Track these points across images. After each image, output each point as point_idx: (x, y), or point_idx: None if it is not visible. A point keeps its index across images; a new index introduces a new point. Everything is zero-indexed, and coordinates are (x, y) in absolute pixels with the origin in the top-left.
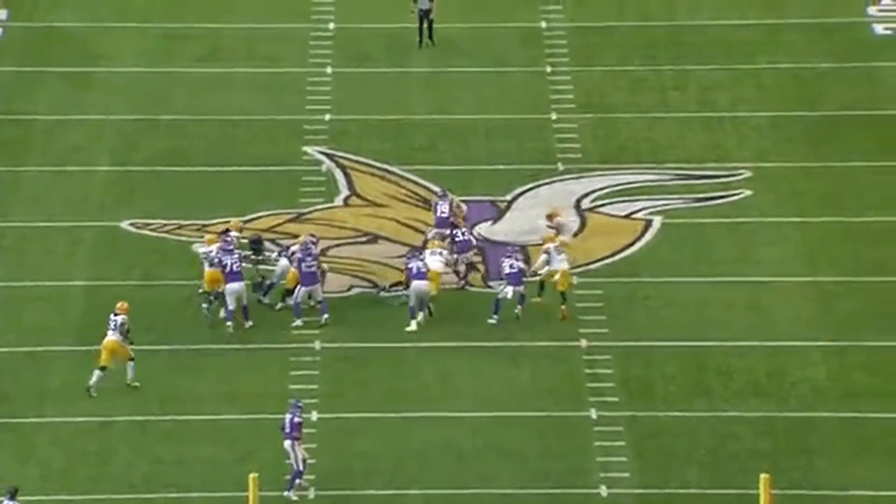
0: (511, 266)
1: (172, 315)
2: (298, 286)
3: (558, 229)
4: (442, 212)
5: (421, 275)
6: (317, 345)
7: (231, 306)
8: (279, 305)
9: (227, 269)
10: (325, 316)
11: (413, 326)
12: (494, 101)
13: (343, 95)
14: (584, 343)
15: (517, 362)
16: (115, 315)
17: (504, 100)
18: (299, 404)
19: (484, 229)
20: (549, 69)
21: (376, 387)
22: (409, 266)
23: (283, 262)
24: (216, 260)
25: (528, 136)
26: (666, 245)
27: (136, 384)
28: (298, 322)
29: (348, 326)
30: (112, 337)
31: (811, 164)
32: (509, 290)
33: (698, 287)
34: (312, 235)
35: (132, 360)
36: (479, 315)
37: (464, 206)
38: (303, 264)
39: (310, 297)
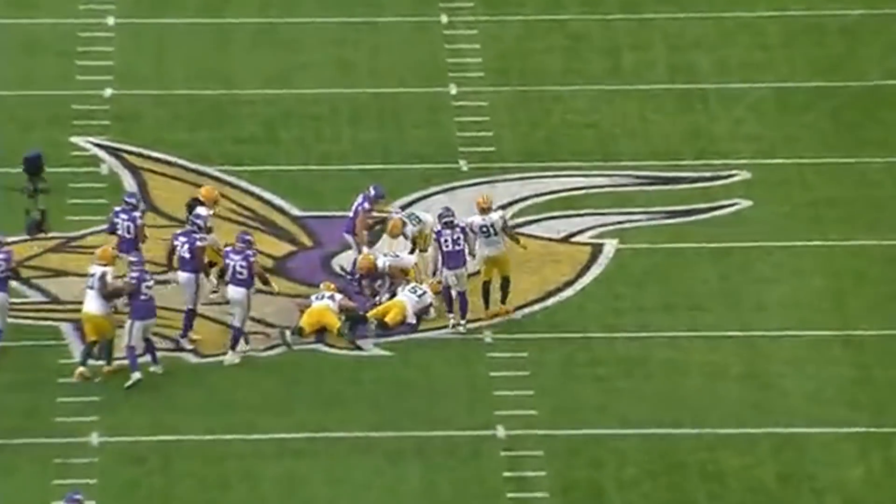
0: (457, 243)
1: None
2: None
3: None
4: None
5: (237, 280)
6: (94, 438)
7: None
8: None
9: None
10: (156, 368)
11: (231, 357)
12: (363, 69)
13: (132, 60)
14: (501, 431)
15: (402, 461)
16: (96, 266)
17: (378, 66)
18: (78, 496)
19: (345, 259)
20: (445, 19)
21: (185, 501)
22: (227, 262)
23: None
24: None
25: (415, 120)
26: (623, 281)
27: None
28: (137, 375)
29: (142, 409)
30: (90, 307)
31: (836, 159)
32: (450, 276)
33: (671, 345)
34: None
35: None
36: (342, 389)
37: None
38: (143, 285)
39: (144, 335)
